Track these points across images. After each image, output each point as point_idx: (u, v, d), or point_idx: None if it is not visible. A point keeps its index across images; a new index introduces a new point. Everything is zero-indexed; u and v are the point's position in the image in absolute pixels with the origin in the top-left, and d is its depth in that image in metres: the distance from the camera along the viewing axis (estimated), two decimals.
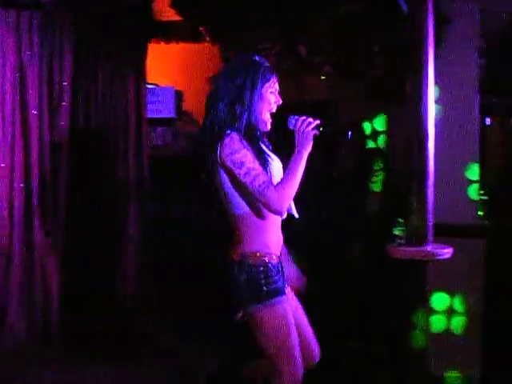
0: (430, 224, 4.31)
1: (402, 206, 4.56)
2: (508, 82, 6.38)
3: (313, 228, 5.58)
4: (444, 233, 4.90)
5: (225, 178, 3.08)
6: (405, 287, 4.64)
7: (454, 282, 5.20)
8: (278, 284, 3.13)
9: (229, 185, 3.09)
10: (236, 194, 3.10)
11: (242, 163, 2.99)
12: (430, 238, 4.30)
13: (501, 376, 4.94)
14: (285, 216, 3.16)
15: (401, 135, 5.25)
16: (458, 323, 5.18)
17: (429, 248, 4.28)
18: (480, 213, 5.66)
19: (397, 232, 4.35)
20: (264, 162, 3.08)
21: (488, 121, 12.65)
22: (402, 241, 4.33)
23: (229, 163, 3.01)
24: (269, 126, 3.20)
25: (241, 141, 3.03)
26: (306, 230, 5.27)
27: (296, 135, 3.11)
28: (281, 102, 3.21)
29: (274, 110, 3.20)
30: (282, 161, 3.23)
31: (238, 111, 3.08)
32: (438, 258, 4.39)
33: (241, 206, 3.11)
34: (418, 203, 4.29)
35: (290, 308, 3.19)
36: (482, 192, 5.99)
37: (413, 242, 4.29)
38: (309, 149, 3.08)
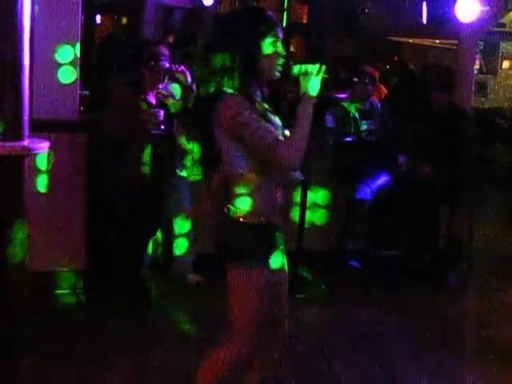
0: (26, 119, 4.25)
1: None
2: None
3: None
4: (44, 128, 4.91)
5: (224, 137, 2.89)
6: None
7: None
8: (269, 249, 2.96)
9: (228, 144, 2.90)
10: (236, 154, 2.91)
11: (248, 123, 2.82)
12: (27, 133, 4.25)
13: None
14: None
15: None
16: None
17: (25, 143, 4.23)
18: (81, 108, 5.78)
19: None
20: (267, 120, 2.92)
21: (98, 19, 12.74)
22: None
23: (233, 124, 2.84)
24: (276, 75, 2.97)
25: (243, 100, 2.85)
26: None
27: (302, 83, 2.91)
28: (285, 53, 2.98)
29: (279, 63, 2.96)
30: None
31: (238, 69, 2.87)
32: (35, 152, 4.39)
33: (239, 166, 2.92)
34: (13, 98, 4.17)
35: (278, 280, 3.03)
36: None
37: (8, 137, 4.19)
38: (315, 98, 2.91)
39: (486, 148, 9.38)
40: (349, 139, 6.07)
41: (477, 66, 13.77)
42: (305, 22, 11.69)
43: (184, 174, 5.59)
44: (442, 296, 5.81)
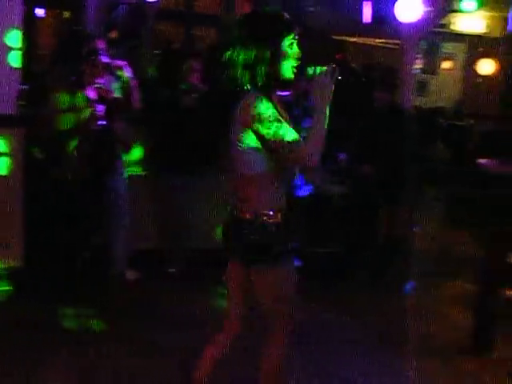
0: None
1: None
2: None
3: None
4: None
5: (244, 136, 2.95)
6: None
7: None
8: (286, 243, 3.08)
9: (247, 143, 2.96)
10: (253, 154, 2.97)
11: (270, 122, 2.88)
12: None
13: None
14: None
15: None
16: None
17: None
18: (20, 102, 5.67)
19: None
20: (286, 119, 3.01)
21: (41, 12, 12.49)
22: None
23: (254, 123, 2.90)
24: (291, 78, 3.05)
25: (265, 100, 2.92)
26: None
27: (315, 86, 2.97)
28: (300, 54, 3.04)
29: (294, 64, 3.03)
30: None
31: (260, 69, 2.95)
32: None
33: (255, 166, 2.99)
34: None
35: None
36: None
37: None
38: (330, 97, 2.97)
39: (427, 147, 9.51)
40: None
41: (419, 66, 13.97)
42: None
43: (125, 171, 5.54)
44: (381, 294, 5.87)
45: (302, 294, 3.31)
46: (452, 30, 12.80)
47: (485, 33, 12.79)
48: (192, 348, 4.51)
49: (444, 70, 14.88)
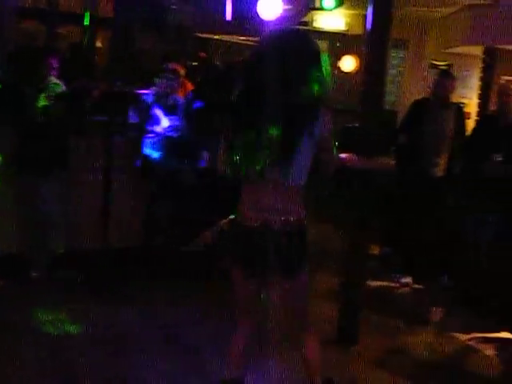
0: None
1: None
2: None
3: None
4: None
5: (308, 149, 3.06)
6: None
7: None
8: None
9: (308, 156, 3.09)
10: (308, 166, 3.11)
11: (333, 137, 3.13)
12: None
13: None
14: None
15: None
16: None
17: None
18: None
19: None
20: None
21: None
22: None
23: (329, 138, 3.12)
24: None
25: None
26: None
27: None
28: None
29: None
30: None
31: (321, 88, 3.08)
32: None
33: (304, 178, 3.12)
34: None
35: None
36: None
37: None
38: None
39: None
40: (153, 135, 6.04)
41: None
42: (111, 16, 11.49)
43: None
44: None
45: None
46: (314, 28, 13.06)
47: (345, 30, 13.11)
48: (60, 358, 4.44)
49: None
